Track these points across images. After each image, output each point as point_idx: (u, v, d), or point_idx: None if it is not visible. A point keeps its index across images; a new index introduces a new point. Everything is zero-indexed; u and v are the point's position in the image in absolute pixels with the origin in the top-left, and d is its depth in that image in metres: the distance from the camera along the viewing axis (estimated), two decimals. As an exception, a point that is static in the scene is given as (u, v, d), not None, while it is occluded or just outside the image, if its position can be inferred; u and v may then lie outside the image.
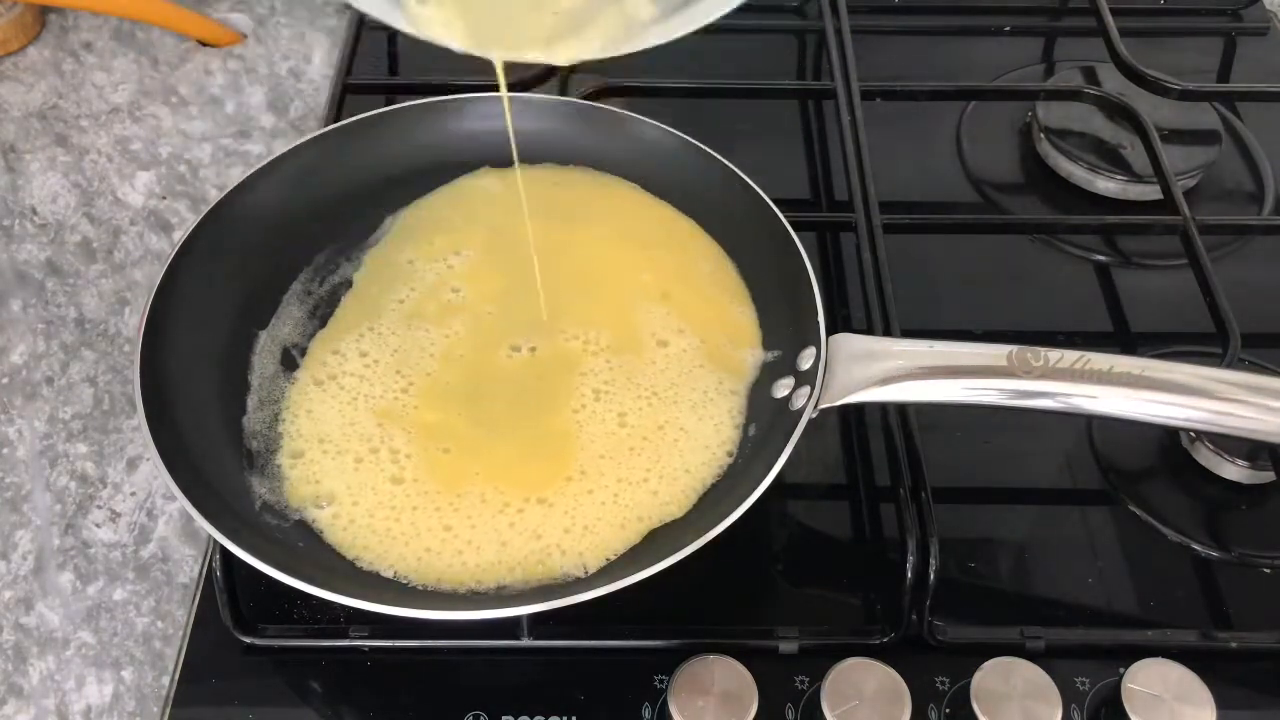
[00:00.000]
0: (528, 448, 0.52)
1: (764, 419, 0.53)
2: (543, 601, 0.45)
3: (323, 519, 0.50)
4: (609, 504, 0.51)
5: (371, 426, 0.53)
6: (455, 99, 0.64)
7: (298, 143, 0.62)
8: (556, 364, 0.55)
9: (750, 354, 0.56)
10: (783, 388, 0.53)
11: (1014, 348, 0.48)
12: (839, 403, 0.49)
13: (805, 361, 0.52)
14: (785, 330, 0.55)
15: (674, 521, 0.50)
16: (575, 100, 0.66)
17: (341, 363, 0.55)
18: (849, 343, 0.51)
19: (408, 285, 0.59)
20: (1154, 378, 0.47)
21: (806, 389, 0.51)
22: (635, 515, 0.50)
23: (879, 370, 0.49)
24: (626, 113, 0.64)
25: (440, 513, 0.50)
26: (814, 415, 0.49)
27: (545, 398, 0.54)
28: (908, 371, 0.49)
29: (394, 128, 0.64)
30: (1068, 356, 0.48)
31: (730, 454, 0.52)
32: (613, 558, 0.49)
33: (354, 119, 0.63)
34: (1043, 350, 0.48)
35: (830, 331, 0.52)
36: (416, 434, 0.53)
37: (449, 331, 0.57)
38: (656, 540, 0.49)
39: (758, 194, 0.58)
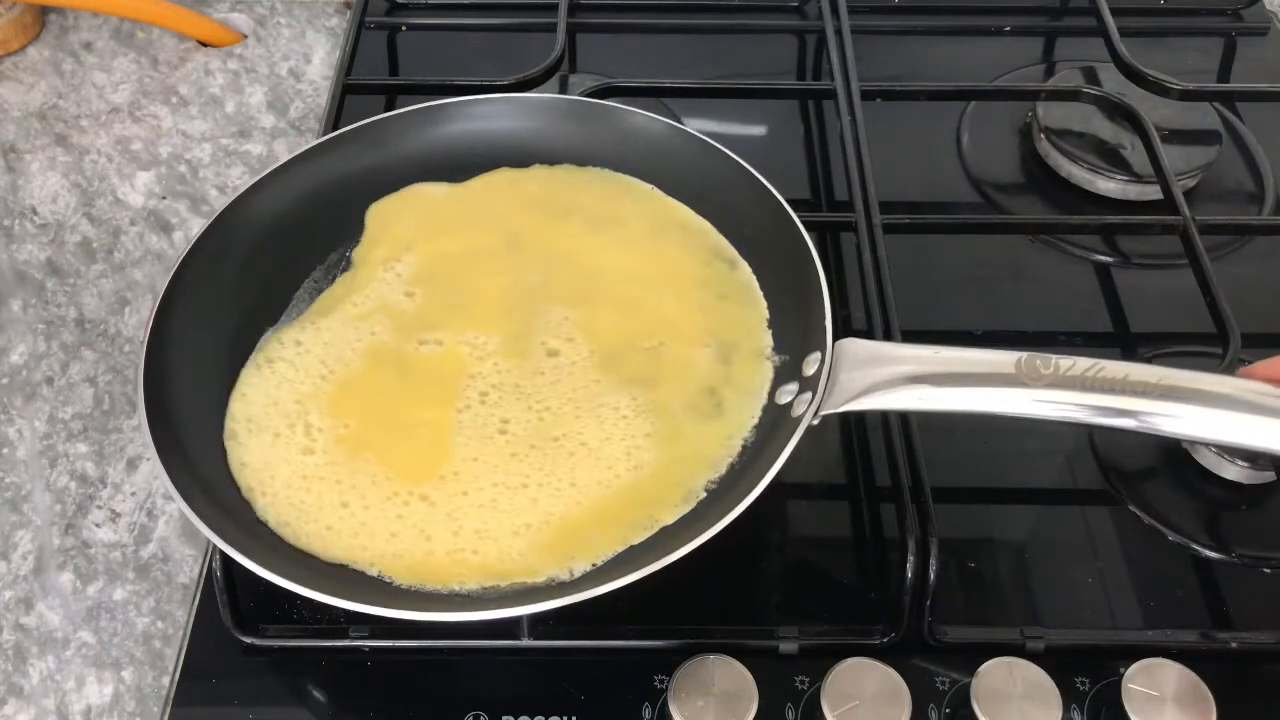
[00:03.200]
0: (408, 439, 0.53)
1: (765, 423, 0.53)
2: (540, 602, 0.45)
3: (254, 497, 0.51)
4: (486, 508, 0.50)
5: (291, 404, 0.54)
6: (462, 101, 0.64)
7: (307, 147, 0.62)
8: (450, 365, 0.56)
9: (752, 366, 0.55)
10: (786, 393, 0.53)
11: (1023, 355, 0.46)
12: (841, 409, 0.48)
13: (810, 367, 0.52)
14: (793, 334, 0.55)
15: (669, 525, 0.50)
16: (584, 100, 0.66)
17: (280, 349, 0.56)
18: (854, 347, 0.50)
19: (362, 290, 0.59)
20: (1172, 386, 0.44)
21: (808, 394, 0.50)
22: (524, 522, 0.50)
23: (883, 376, 0.48)
24: (641, 111, 0.63)
25: (340, 486, 0.51)
26: (815, 422, 0.48)
27: (436, 393, 0.54)
28: (912, 378, 0.47)
29: (403, 129, 0.63)
30: (1080, 364, 0.45)
31: (635, 467, 0.52)
32: (522, 559, 0.49)
33: (367, 121, 0.63)
34: (1053, 357, 0.46)
35: (835, 336, 0.52)
36: (328, 412, 0.54)
37: (376, 329, 0.57)
38: (651, 543, 0.49)
39: (777, 199, 0.58)
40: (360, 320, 0.57)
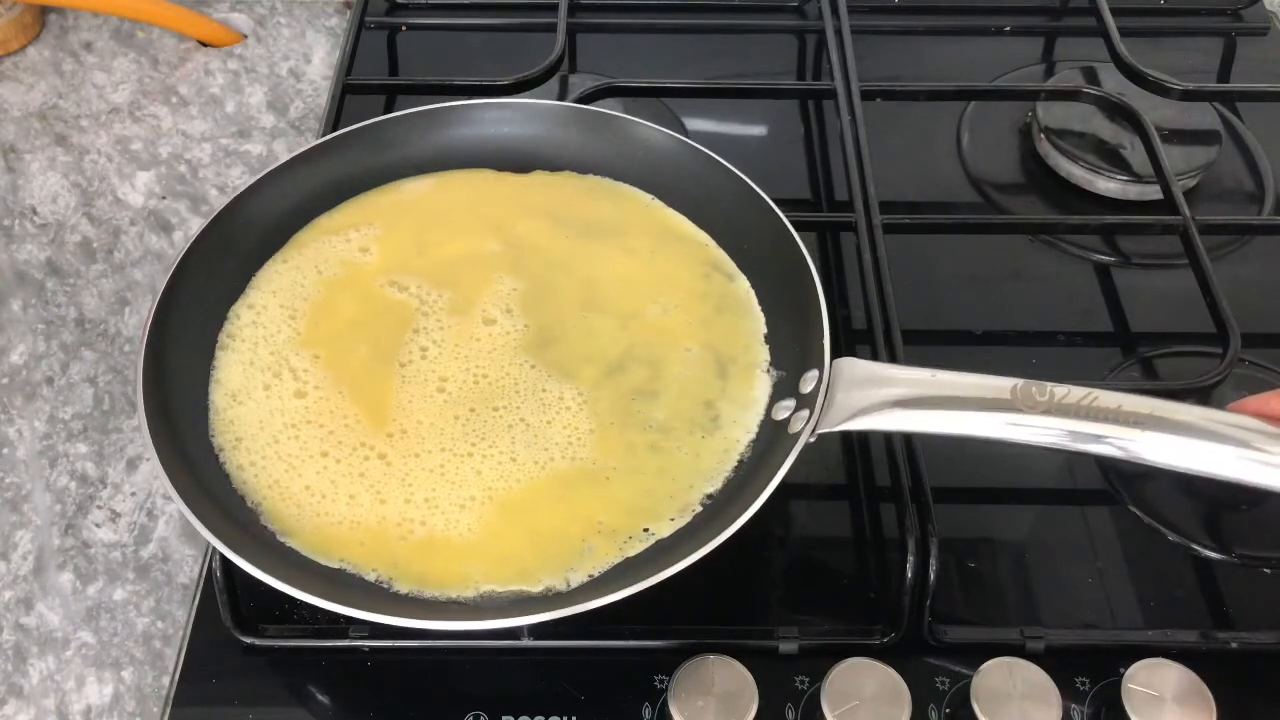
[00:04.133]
0: (363, 381, 0.54)
1: (762, 438, 0.53)
2: (537, 613, 0.45)
3: (242, 471, 0.51)
4: (435, 474, 0.51)
5: (267, 356, 0.55)
6: (450, 106, 0.64)
7: (308, 147, 0.62)
8: (400, 315, 0.57)
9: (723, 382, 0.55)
10: (783, 409, 0.53)
11: (1019, 381, 0.47)
12: (838, 428, 0.48)
13: (807, 384, 0.52)
14: (790, 350, 0.55)
15: (665, 538, 0.50)
16: (588, 108, 0.66)
17: (236, 322, 0.57)
18: (852, 367, 0.50)
19: (323, 259, 0.60)
20: (1163, 419, 0.45)
21: (805, 412, 0.50)
22: (469, 494, 0.51)
23: (880, 398, 0.48)
24: (643, 122, 0.63)
25: (323, 431, 0.52)
26: (812, 439, 0.48)
27: (384, 344, 0.56)
28: (908, 401, 0.48)
29: (405, 131, 0.63)
30: (1074, 392, 0.46)
31: (571, 458, 0.52)
32: (463, 537, 0.49)
33: (368, 122, 0.63)
34: (1048, 385, 0.46)
35: (834, 340, 0.52)
36: (304, 349, 0.55)
37: (321, 267, 0.59)
38: (647, 555, 0.49)
39: (777, 215, 0.58)
40: (308, 268, 0.59)
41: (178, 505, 0.46)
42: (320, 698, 0.51)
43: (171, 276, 0.55)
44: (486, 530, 0.50)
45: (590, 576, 0.48)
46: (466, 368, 0.55)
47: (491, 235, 0.61)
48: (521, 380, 0.55)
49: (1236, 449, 0.45)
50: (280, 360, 0.55)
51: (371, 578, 0.48)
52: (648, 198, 0.63)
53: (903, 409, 0.48)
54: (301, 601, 0.44)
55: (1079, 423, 0.45)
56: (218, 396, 0.54)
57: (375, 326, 0.56)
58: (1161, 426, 0.45)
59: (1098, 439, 0.45)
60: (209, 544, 0.52)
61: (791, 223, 0.57)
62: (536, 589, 0.48)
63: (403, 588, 0.48)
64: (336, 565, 0.49)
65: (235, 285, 0.58)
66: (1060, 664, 0.49)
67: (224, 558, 0.49)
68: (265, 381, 0.54)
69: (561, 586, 0.48)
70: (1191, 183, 0.72)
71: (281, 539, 0.49)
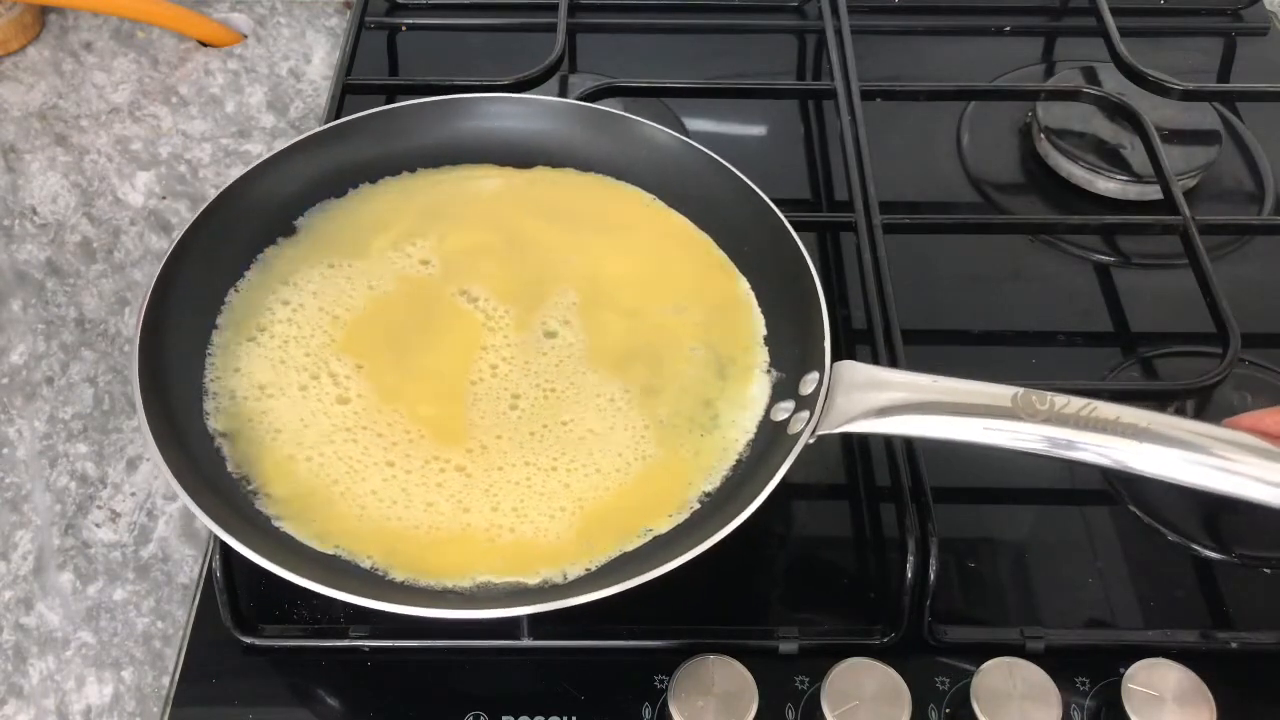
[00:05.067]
0: (429, 398, 0.54)
1: (761, 439, 0.53)
2: (534, 604, 0.45)
3: (295, 465, 0.51)
4: (522, 486, 0.51)
5: (301, 357, 0.55)
6: (456, 98, 0.64)
7: (308, 134, 0.62)
8: (468, 337, 0.56)
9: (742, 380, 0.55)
10: (782, 411, 0.53)
11: (1019, 389, 0.47)
12: (837, 430, 0.48)
13: (807, 386, 0.52)
14: (790, 352, 0.55)
15: (662, 535, 0.50)
16: (594, 106, 0.66)
17: (270, 315, 0.56)
18: (852, 370, 0.50)
19: (376, 274, 0.59)
20: (1159, 432, 0.45)
21: (805, 413, 0.50)
22: (559, 505, 0.50)
23: (880, 401, 0.48)
24: (647, 122, 0.63)
25: (382, 440, 0.52)
26: (811, 441, 0.48)
27: (451, 360, 0.55)
28: (909, 404, 0.48)
29: (408, 122, 0.63)
30: (1074, 403, 0.46)
31: (643, 457, 0.52)
32: (552, 545, 0.49)
33: (371, 111, 0.63)
34: (1049, 394, 0.47)
35: (835, 342, 0.52)
36: (346, 356, 0.55)
37: (374, 283, 0.58)
38: (644, 551, 0.49)
39: (779, 217, 0.58)
40: (359, 280, 0.58)
41: (160, 468, 0.46)
42: (320, 698, 0.51)
43: (171, 256, 0.54)
44: (578, 536, 0.50)
45: (587, 570, 0.48)
46: (536, 383, 0.55)
47: (494, 232, 0.61)
48: (584, 389, 0.54)
49: (1231, 465, 0.45)
50: (318, 363, 0.54)
51: (367, 565, 0.48)
52: (649, 197, 0.63)
53: (902, 414, 0.48)
54: (301, 600, 0.44)
55: (1078, 432, 0.46)
56: (237, 383, 0.53)
57: (435, 342, 0.56)
58: (1158, 440, 0.45)
59: (1095, 450, 0.46)
60: (209, 544, 0.52)
61: (791, 223, 0.57)
62: (534, 581, 0.48)
63: (398, 576, 0.48)
64: (331, 552, 0.48)
65: (233, 271, 0.57)
66: (1060, 664, 0.49)
67: (224, 557, 0.49)
68: (301, 382, 0.54)
69: (558, 579, 0.48)
70: (1191, 183, 0.72)
71: (277, 524, 0.49)
